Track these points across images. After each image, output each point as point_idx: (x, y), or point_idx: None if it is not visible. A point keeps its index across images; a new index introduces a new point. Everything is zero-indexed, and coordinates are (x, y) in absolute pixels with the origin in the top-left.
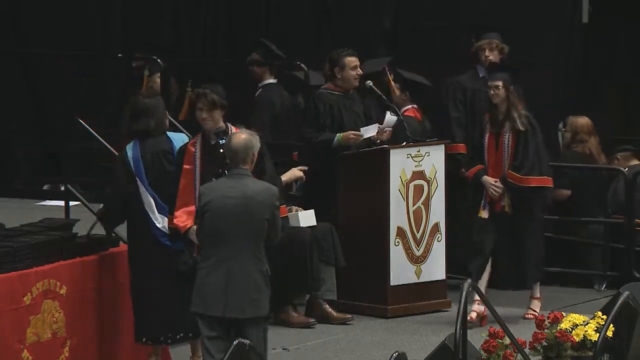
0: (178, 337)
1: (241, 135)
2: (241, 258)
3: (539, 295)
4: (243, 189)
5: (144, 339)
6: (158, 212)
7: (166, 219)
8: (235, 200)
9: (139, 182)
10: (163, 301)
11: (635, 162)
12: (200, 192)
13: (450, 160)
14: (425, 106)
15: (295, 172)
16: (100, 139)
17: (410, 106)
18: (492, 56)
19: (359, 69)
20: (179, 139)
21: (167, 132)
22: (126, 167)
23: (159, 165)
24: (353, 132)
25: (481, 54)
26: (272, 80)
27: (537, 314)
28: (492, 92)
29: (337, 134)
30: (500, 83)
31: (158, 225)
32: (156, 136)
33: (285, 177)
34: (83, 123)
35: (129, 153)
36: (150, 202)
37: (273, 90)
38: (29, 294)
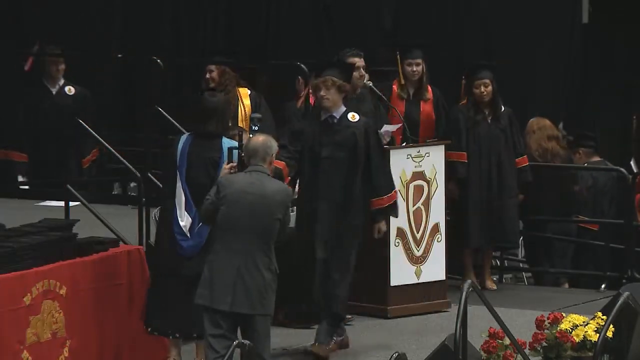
0: (192, 335)
1: (260, 137)
2: (252, 254)
3: None
4: (262, 186)
5: (149, 329)
6: (185, 209)
7: (190, 219)
8: (253, 196)
9: (178, 174)
10: (171, 298)
11: (596, 158)
12: (219, 183)
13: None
14: None
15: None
16: (101, 139)
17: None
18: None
19: (361, 69)
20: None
21: (224, 137)
22: (173, 153)
23: (203, 169)
24: None
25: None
26: None
27: None
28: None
29: None
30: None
31: (180, 223)
32: (212, 139)
33: None
34: (85, 126)
35: (180, 145)
36: (181, 196)
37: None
38: (28, 294)
